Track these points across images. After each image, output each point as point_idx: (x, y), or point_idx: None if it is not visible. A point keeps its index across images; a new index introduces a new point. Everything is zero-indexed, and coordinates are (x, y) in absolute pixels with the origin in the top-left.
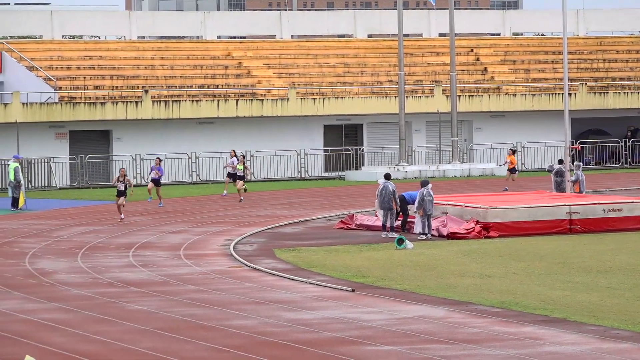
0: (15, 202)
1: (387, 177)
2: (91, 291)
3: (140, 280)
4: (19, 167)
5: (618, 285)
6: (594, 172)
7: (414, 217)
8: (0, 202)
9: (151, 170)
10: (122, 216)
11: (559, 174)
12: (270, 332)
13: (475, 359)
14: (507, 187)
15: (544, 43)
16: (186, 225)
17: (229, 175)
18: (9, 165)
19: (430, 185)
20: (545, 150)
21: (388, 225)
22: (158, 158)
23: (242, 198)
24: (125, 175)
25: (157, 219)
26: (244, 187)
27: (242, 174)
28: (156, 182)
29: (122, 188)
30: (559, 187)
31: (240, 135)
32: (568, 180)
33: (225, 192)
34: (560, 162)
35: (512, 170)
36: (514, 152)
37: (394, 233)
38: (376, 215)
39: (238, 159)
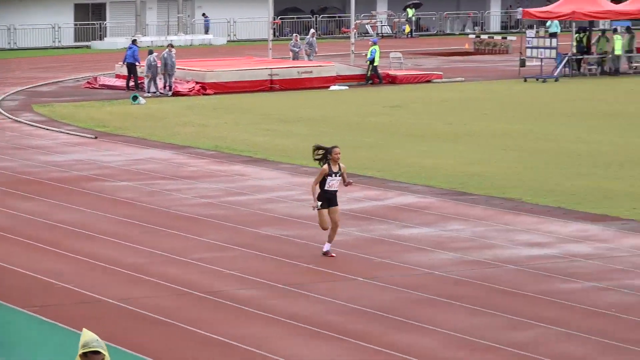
0: None
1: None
2: None
3: None
4: None
5: (307, 132)
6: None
7: (143, 79)
8: None
9: None
10: None
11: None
12: (29, 172)
13: (194, 192)
14: None
15: None
16: None
17: None
18: None
19: (170, 51)
20: (253, 24)
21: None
22: None
23: None
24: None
25: None
26: None
27: None
28: None
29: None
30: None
31: None
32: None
33: None
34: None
35: None
36: None
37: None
38: (117, 77)
39: None
